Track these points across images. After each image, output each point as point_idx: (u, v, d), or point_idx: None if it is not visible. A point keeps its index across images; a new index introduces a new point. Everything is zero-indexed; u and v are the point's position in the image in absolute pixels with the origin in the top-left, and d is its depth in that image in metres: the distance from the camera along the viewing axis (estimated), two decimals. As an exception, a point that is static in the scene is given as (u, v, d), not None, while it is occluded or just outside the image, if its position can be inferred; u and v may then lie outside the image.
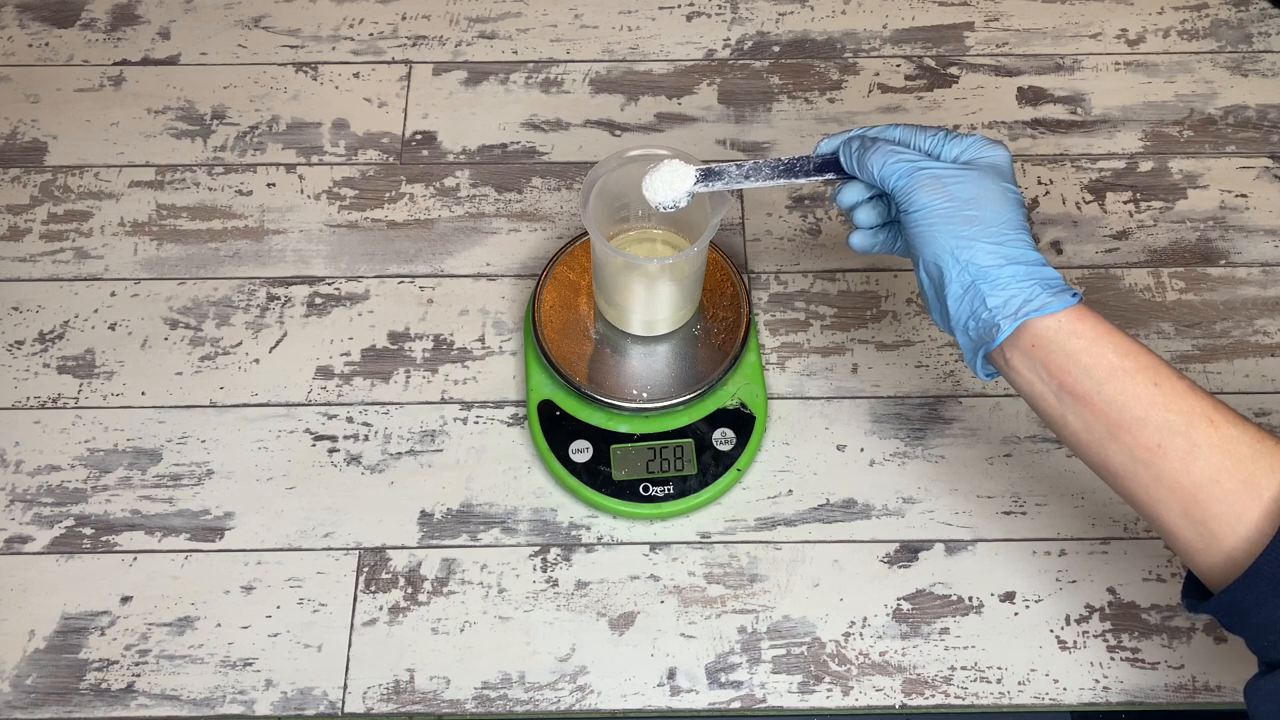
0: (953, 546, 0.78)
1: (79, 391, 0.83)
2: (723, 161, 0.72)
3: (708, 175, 0.71)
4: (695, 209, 0.75)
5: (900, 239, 0.69)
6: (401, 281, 0.88)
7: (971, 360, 0.63)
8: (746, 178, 0.70)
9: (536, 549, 0.78)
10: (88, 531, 0.78)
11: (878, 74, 0.98)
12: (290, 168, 0.93)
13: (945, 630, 0.75)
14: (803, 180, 0.70)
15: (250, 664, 0.74)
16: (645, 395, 0.79)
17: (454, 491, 0.80)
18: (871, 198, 0.69)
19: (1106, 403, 0.59)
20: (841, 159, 0.68)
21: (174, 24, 1.01)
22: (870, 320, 0.87)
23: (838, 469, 0.81)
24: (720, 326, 0.82)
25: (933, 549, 0.78)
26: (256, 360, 0.85)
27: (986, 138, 0.66)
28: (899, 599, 0.77)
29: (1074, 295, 0.60)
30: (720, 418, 0.80)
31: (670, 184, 0.71)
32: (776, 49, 1.00)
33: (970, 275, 0.61)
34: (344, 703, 0.73)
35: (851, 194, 0.69)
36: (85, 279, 0.88)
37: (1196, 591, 0.60)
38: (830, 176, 0.69)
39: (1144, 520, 0.69)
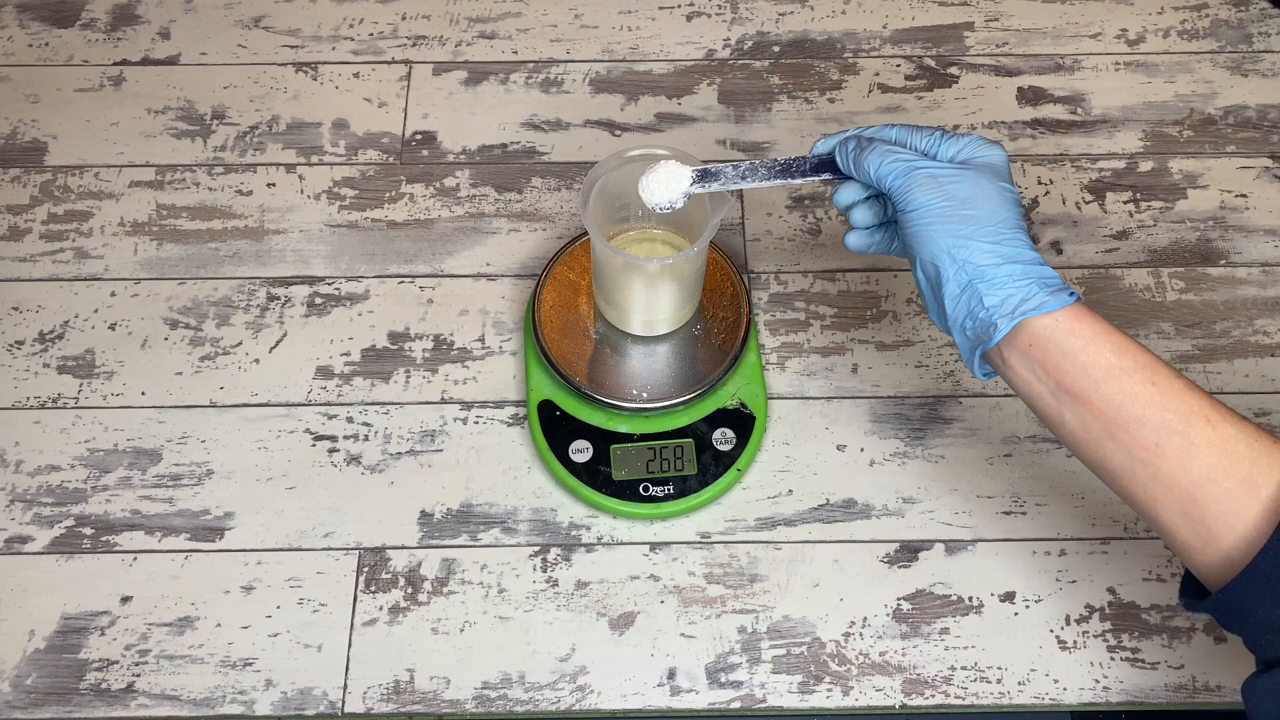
0: (953, 546, 0.78)
1: (79, 391, 0.83)
2: (720, 162, 0.72)
3: (704, 176, 0.71)
4: (695, 209, 0.75)
5: (897, 239, 0.69)
6: (401, 281, 0.88)
7: (969, 360, 0.63)
8: (743, 178, 0.70)
9: (536, 549, 0.78)
10: (88, 531, 0.78)
11: (878, 74, 0.98)
12: (290, 168, 0.93)
13: (945, 630, 0.75)
14: (799, 181, 0.70)
15: (250, 664, 0.74)
16: (645, 395, 0.79)
17: (454, 491, 0.80)
18: (868, 197, 0.69)
19: (1104, 401, 0.59)
20: (838, 159, 0.68)
21: (174, 24, 1.01)
22: (870, 320, 0.87)
23: (838, 469, 0.81)
24: (720, 326, 0.82)
25: (933, 549, 0.78)
26: (256, 360, 0.85)
27: (983, 137, 0.66)
28: (899, 599, 0.77)
29: (1071, 294, 0.60)
30: (720, 418, 0.80)
31: (666, 185, 0.71)
32: (776, 49, 1.00)
33: (967, 274, 0.61)
34: (344, 703, 0.73)
35: (848, 194, 0.69)
36: (85, 279, 0.88)
37: (1194, 590, 0.60)
38: (827, 177, 0.69)
39: (1142, 519, 0.69)
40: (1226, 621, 0.57)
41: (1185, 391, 0.58)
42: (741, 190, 0.83)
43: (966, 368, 0.66)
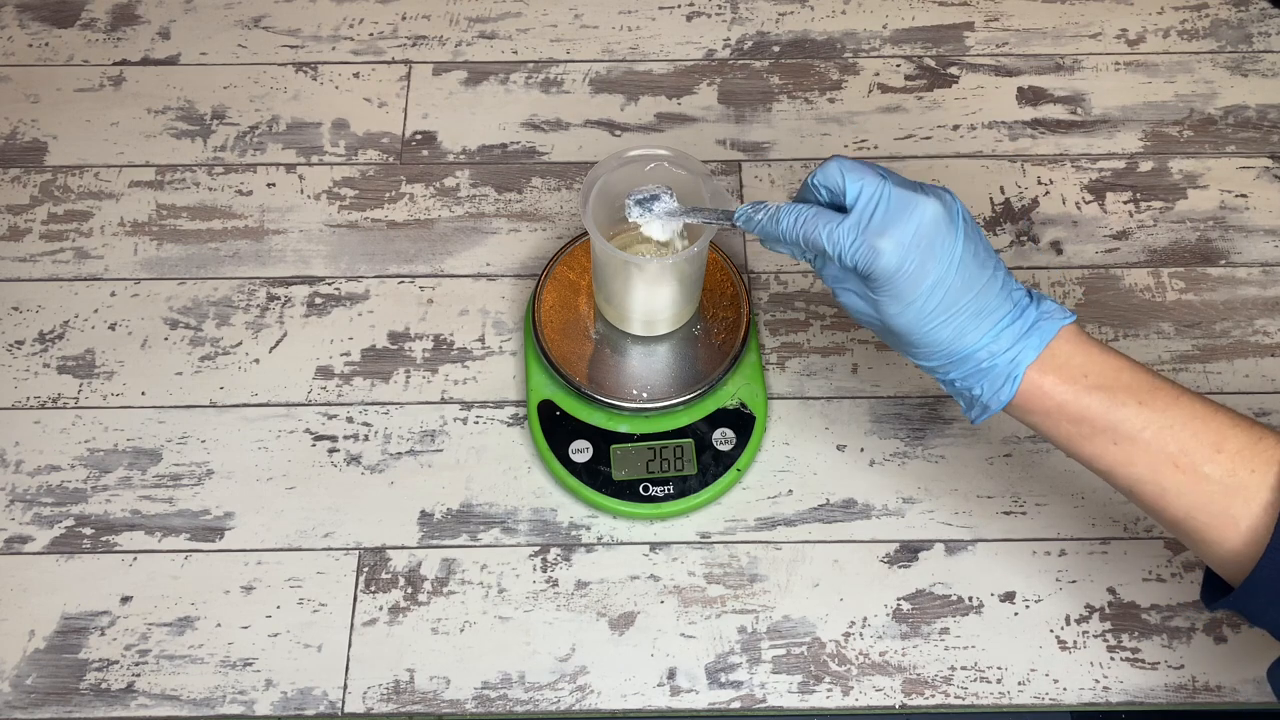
0: (953, 546, 0.78)
1: (79, 391, 0.83)
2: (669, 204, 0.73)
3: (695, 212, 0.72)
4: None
5: None
6: (401, 281, 0.88)
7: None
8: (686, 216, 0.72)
9: (536, 549, 0.78)
10: (88, 531, 0.78)
11: (878, 74, 0.98)
12: (290, 168, 0.93)
13: (945, 630, 0.75)
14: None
15: (250, 664, 0.74)
16: (645, 395, 0.79)
17: (454, 491, 0.80)
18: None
19: (1079, 458, 0.62)
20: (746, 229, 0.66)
21: (174, 24, 1.01)
22: (870, 320, 0.87)
23: (838, 469, 0.81)
24: (720, 326, 0.82)
25: (933, 549, 0.78)
26: (256, 360, 0.85)
27: (874, 239, 0.58)
28: (899, 599, 0.77)
29: (1013, 378, 0.60)
30: (720, 418, 0.80)
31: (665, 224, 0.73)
32: (776, 49, 1.00)
33: (949, 382, 0.63)
34: (344, 703, 0.73)
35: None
36: (85, 279, 0.88)
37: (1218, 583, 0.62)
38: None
39: (1148, 513, 0.69)
40: (1247, 617, 0.59)
41: (1150, 442, 0.59)
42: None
43: None
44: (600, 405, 0.79)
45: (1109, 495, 0.79)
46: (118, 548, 0.78)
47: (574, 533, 0.79)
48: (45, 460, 0.81)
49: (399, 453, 0.81)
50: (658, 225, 0.73)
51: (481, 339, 0.86)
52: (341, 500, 0.80)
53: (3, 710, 0.73)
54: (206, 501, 0.80)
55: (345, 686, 0.74)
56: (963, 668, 0.74)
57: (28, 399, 0.83)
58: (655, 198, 0.73)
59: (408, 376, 0.84)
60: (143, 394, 0.83)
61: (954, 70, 0.99)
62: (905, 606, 0.76)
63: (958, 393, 0.63)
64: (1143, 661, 0.74)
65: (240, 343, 0.86)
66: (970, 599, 0.77)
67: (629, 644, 0.75)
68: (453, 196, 0.92)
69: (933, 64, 0.99)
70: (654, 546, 0.78)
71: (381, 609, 0.76)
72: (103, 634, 0.75)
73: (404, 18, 1.01)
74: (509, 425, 0.83)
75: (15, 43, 1.00)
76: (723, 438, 0.80)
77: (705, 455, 0.79)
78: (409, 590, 0.77)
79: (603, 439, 0.79)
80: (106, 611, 0.76)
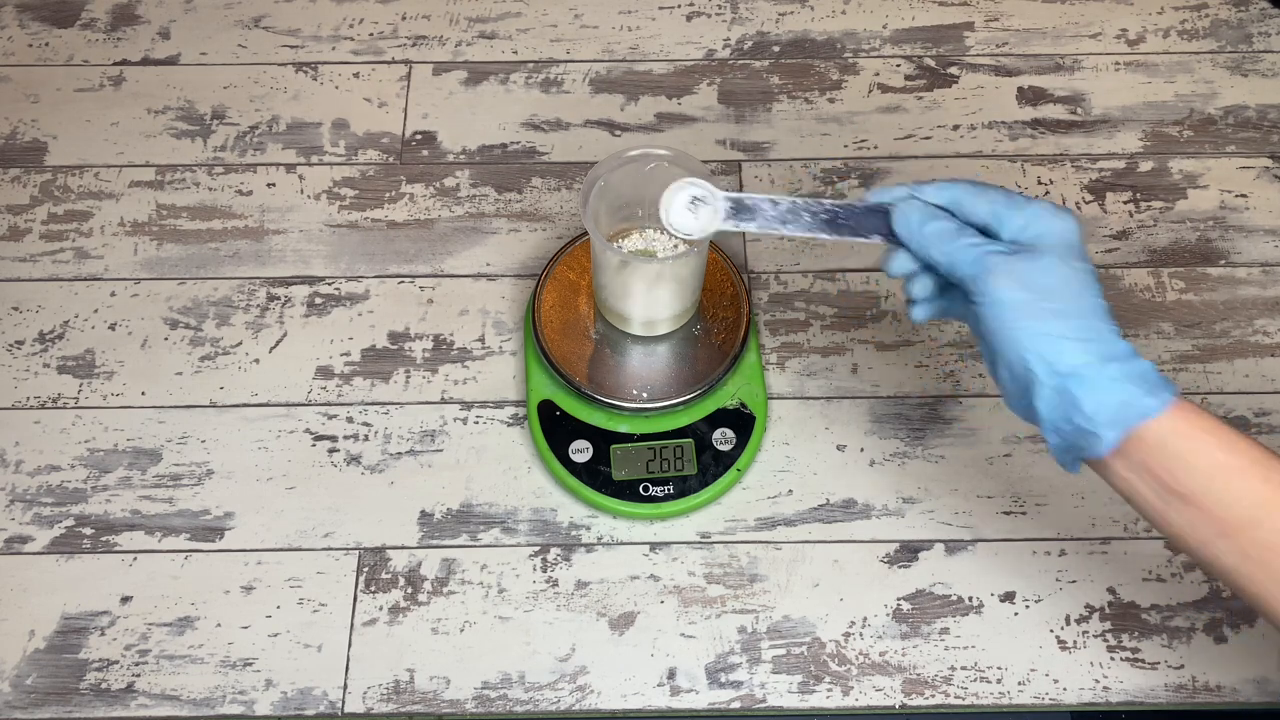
0: (953, 546, 0.78)
1: (79, 391, 0.83)
2: (754, 195, 0.67)
3: (739, 211, 0.66)
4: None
5: (962, 305, 0.64)
6: (401, 281, 0.88)
7: (1063, 459, 0.60)
8: (783, 223, 0.65)
9: (536, 549, 0.78)
10: (88, 531, 0.78)
11: (878, 74, 0.98)
12: (290, 168, 0.93)
13: (945, 630, 0.75)
14: (850, 239, 0.65)
15: (250, 664, 0.74)
16: (645, 395, 0.79)
17: (454, 491, 0.80)
18: (926, 267, 0.64)
19: (1214, 502, 0.55)
20: (897, 227, 0.63)
21: (174, 24, 1.01)
22: (870, 320, 0.87)
23: (838, 469, 0.81)
24: (720, 326, 0.82)
25: (933, 549, 0.78)
26: (256, 360, 0.85)
27: (1052, 205, 0.60)
28: (899, 599, 0.77)
29: (1170, 389, 0.56)
30: (720, 418, 0.80)
31: (695, 214, 0.67)
32: (776, 49, 1.00)
33: (1060, 378, 0.56)
34: (344, 703, 0.73)
35: (904, 263, 0.64)
36: (85, 279, 0.88)
37: None
38: (877, 240, 0.64)
39: (1261, 615, 0.61)
40: None
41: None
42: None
43: (1055, 461, 0.61)
44: (600, 405, 0.79)
45: (1109, 495, 0.79)
46: (118, 548, 0.78)
47: (574, 533, 0.79)
48: (45, 460, 0.81)
49: (399, 453, 0.81)
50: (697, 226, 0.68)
51: (481, 339, 0.86)
52: (341, 500, 0.80)
53: (3, 710, 0.73)
54: (206, 501, 0.80)
55: (345, 686, 0.74)
56: (963, 668, 0.74)
57: (28, 399, 0.83)
58: (701, 200, 0.67)
59: (408, 376, 0.84)
60: (143, 394, 0.83)
61: (954, 70, 0.99)
62: (905, 606, 0.76)
63: (1071, 422, 0.57)
64: (1143, 661, 0.74)
65: (240, 343, 0.86)
66: (970, 599, 0.77)
67: (629, 644, 0.75)
68: (453, 196, 0.92)
69: (933, 64, 0.99)
70: (654, 546, 0.78)
71: (381, 609, 0.76)
72: (103, 634, 0.75)
73: (404, 18, 1.01)
74: (509, 425, 0.83)
75: (15, 43, 1.00)
76: (723, 438, 0.80)
77: (705, 455, 0.79)
78: (409, 590, 0.77)
79: (603, 439, 0.79)
80: (106, 611, 0.76)
